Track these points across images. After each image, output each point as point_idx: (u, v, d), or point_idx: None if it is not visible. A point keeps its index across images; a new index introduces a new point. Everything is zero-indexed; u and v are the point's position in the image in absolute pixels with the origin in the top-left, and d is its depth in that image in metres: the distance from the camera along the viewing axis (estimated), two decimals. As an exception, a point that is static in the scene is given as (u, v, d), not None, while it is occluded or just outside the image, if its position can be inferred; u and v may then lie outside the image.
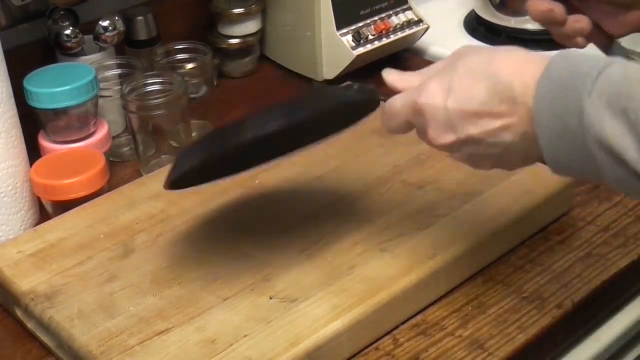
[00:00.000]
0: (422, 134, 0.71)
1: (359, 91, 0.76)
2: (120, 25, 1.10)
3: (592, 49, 0.79)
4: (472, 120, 0.66)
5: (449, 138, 0.68)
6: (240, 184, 0.94)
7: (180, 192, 0.79)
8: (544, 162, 0.65)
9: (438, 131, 0.69)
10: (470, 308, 0.82)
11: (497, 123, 0.65)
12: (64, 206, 0.93)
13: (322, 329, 0.75)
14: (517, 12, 1.32)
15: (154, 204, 0.92)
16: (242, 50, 1.25)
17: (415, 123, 0.71)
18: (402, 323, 0.81)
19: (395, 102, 0.72)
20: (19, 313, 0.83)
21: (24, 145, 0.97)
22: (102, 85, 1.05)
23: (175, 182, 0.75)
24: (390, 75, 0.73)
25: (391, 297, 0.79)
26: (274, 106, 0.73)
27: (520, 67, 0.64)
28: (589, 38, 0.83)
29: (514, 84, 0.64)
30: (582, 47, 0.84)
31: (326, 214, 0.88)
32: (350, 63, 1.18)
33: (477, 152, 0.68)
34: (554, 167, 0.64)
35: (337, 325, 0.76)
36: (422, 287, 0.81)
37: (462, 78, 0.66)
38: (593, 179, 0.64)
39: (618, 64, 0.60)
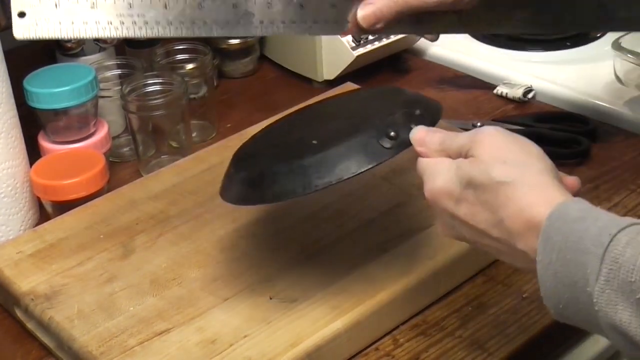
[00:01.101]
0: None
1: (397, 142, 0.72)
2: (120, 26, 1.10)
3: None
4: (473, 233, 0.66)
5: (453, 234, 0.69)
6: (240, 184, 0.94)
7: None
8: None
9: (443, 226, 0.69)
10: (470, 308, 0.82)
11: (497, 246, 0.64)
12: (63, 207, 0.93)
13: (322, 329, 0.75)
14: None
15: (154, 205, 0.92)
16: (242, 51, 1.25)
17: None
18: (402, 323, 0.81)
19: (418, 165, 0.71)
20: (19, 313, 0.83)
21: (24, 146, 0.97)
22: (102, 85, 1.05)
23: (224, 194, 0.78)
24: (417, 134, 0.71)
25: (391, 297, 0.79)
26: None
27: (522, 214, 0.61)
28: None
29: (513, 231, 0.62)
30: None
31: (326, 214, 0.88)
32: (350, 63, 1.17)
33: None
34: (560, 320, 0.61)
35: (337, 325, 0.76)
36: (422, 287, 0.81)
37: (469, 194, 0.64)
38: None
39: (623, 236, 0.56)
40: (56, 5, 0.70)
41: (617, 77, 1.09)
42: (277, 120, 0.86)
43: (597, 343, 0.87)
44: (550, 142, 1.03)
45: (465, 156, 0.66)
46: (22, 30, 0.70)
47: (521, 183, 0.62)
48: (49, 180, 0.94)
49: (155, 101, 1.02)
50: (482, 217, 0.64)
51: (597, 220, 0.58)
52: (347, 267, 0.81)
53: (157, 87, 1.04)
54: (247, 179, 0.75)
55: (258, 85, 1.24)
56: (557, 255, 0.58)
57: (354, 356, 0.78)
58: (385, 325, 0.80)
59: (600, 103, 1.09)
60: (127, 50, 1.17)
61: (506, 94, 1.15)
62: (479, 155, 0.65)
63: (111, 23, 0.71)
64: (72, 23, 0.71)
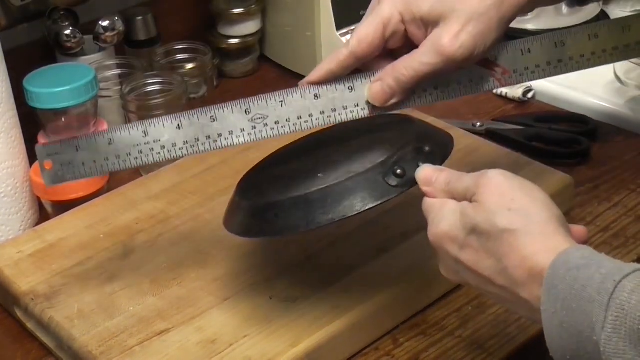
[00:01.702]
0: None
1: (403, 181, 0.71)
2: (120, 26, 1.10)
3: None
4: (478, 280, 0.65)
5: (456, 279, 0.68)
6: (240, 184, 0.94)
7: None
8: None
9: (447, 269, 0.68)
10: (470, 308, 0.82)
11: (502, 294, 0.63)
12: (63, 206, 0.93)
13: (322, 329, 0.75)
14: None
15: (153, 204, 0.92)
16: (242, 51, 1.25)
17: None
18: (402, 323, 0.81)
19: (423, 205, 0.70)
20: (19, 313, 0.83)
21: (24, 146, 0.97)
22: (102, 85, 1.05)
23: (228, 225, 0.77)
24: (422, 173, 0.70)
25: (391, 297, 0.79)
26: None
27: (525, 263, 0.60)
28: None
29: (517, 280, 0.61)
30: None
31: (326, 214, 0.88)
32: (350, 63, 1.17)
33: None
34: None
35: (337, 325, 0.76)
36: (422, 287, 0.81)
37: (473, 241, 0.63)
38: None
39: (628, 283, 0.55)
40: (77, 149, 0.73)
41: (617, 77, 1.09)
42: (284, 146, 0.84)
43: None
44: (550, 142, 1.04)
45: (470, 200, 0.65)
46: (50, 178, 0.74)
47: (525, 232, 0.61)
48: (49, 180, 0.94)
49: (155, 101, 1.02)
50: (486, 264, 0.63)
51: (600, 267, 0.57)
52: (347, 267, 0.81)
53: (157, 87, 1.04)
54: (251, 209, 0.74)
55: (258, 85, 1.24)
56: (561, 304, 0.57)
57: (354, 356, 0.78)
58: (385, 325, 0.80)
59: (600, 103, 1.09)
60: (127, 50, 1.17)
61: (506, 93, 1.15)
62: (484, 202, 0.64)
63: (130, 154, 0.73)
64: (94, 161, 0.73)
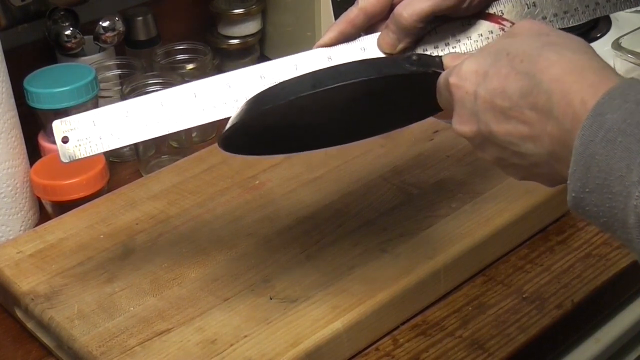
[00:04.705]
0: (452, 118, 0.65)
1: (418, 62, 0.68)
2: (120, 26, 1.10)
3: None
4: (497, 116, 0.59)
5: (470, 128, 0.61)
6: (240, 184, 0.94)
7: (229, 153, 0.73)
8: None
9: (461, 118, 0.62)
10: (470, 308, 0.82)
11: (522, 129, 0.57)
12: (64, 207, 0.93)
13: (322, 330, 0.75)
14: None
15: (154, 205, 0.92)
16: (242, 51, 1.25)
17: (449, 104, 0.64)
18: (402, 323, 0.81)
19: (439, 79, 0.65)
20: (19, 313, 0.83)
21: (24, 146, 0.97)
22: (102, 85, 1.05)
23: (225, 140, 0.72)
24: (449, 55, 0.67)
25: (391, 297, 0.79)
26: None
27: (567, 77, 0.55)
28: None
29: (553, 95, 0.55)
30: None
31: (326, 214, 0.88)
32: (350, 63, 1.17)
33: (503, 157, 0.61)
34: (574, 209, 0.55)
35: (337, 325, 0.76)
36: (422, 287, 0.81)
37: (502, 66, 0.58)
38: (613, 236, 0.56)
39: None
40: (94, 123, 0.71)
41: (617, 77, 1.09)
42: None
43: (598, 343, 0.87)
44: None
45: None
46: (67, 153, 0.71)
47: (568, 48, 0.56)
48: (49, 180, 0.94)
49: (155, 101, 1.02)
50: (514, 87, 0.57)
51: None
52: (347, 267, 0.81)
53: (157, 87, 1.04)
54: (254, 97, 0.69)
55: (258, 85, 1.24)
56: (604, 135, 0.52)
57: (354, 356, 0.78)
58: (385, 325, 0.80)
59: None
60: (127, 50, 1.17)
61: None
62: (520, 32, 0.61)
63: (147, 125, 0.72)
64: (112, 135, 0.71)
